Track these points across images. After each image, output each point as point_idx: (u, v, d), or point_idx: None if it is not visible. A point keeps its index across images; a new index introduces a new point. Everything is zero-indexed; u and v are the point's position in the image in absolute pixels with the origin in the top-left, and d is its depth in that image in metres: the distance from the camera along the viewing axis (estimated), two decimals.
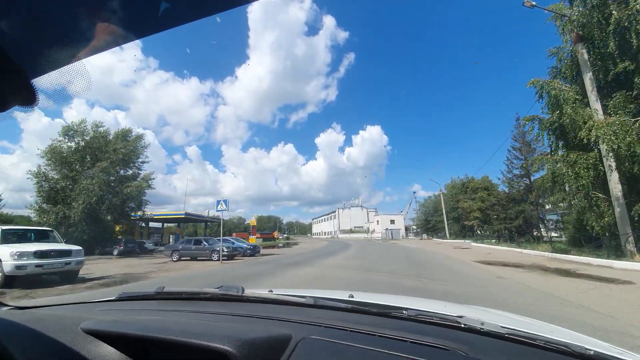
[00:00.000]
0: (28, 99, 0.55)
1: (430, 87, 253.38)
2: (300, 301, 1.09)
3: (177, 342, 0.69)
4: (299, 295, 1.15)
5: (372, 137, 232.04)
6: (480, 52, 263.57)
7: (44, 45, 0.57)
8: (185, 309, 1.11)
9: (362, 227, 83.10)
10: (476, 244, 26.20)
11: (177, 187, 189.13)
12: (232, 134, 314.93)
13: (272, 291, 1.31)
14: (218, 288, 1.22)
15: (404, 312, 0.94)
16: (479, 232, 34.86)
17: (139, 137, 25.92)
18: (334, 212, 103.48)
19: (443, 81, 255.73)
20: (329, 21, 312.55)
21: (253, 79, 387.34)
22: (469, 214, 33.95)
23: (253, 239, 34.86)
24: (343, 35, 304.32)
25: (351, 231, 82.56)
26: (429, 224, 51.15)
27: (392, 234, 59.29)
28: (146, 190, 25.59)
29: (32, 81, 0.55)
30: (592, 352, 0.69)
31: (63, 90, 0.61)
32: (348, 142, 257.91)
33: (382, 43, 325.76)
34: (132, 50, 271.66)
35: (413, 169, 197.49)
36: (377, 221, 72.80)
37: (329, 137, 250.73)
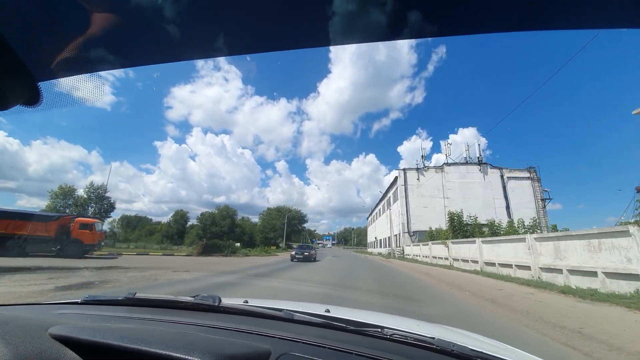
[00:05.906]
0: (32, 99, 0.58)
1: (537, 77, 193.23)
2: (277, 314, 1.11)
3: (154, 354, 0.66)
4: (276, 309, 1.18)
5: (466, 140, 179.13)
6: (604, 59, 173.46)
7: (56, 50, 0.59)
8: (158, 318, 1.06)
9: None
10: None
11: (270, 199, 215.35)
12: (316, 147, 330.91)
13: (247, 301, 1.32)
14: (194, 297, 1.22)
15: (380, 330, 0.97)
16: None
17: None
18: (395, 185, 36.68)
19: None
20: None
21: (334, 92, 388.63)
22: None
23: None
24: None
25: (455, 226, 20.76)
26: None
27: None
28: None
29: (38, 83, 0.58)
30: None
31: (69, 97, 0.65)
32: (436, 148, 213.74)
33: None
34: (235, 82, 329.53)
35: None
36: None
37: (414, 145, 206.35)
